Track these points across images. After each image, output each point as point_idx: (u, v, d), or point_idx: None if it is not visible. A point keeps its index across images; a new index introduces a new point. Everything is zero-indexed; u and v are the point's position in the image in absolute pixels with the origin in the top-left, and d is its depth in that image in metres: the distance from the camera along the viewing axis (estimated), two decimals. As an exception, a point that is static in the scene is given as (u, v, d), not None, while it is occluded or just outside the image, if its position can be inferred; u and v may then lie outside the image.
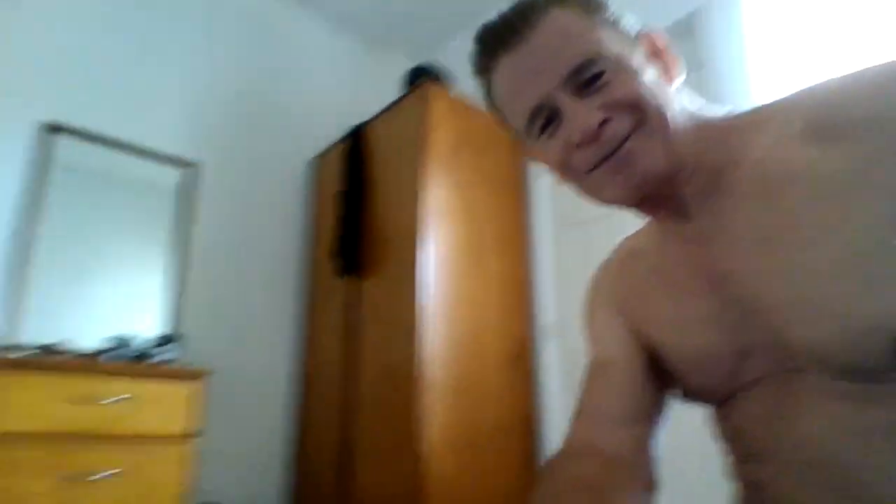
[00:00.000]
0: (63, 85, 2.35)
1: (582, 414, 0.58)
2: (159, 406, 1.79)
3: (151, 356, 2.02)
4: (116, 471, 1.64)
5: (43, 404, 1.58)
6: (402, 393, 1.99)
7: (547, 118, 0.55)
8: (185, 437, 1.81)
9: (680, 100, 0.57)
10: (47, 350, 1.89)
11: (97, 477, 1.60)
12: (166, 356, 2.04)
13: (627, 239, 0.73)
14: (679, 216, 0.58)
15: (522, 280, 2.49)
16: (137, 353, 2.01)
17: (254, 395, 2.57)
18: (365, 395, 2.21)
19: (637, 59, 0.55)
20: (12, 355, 1.66)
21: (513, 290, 2.42)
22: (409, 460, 1.87)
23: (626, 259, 0.70)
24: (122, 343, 2.02)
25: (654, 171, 0.53)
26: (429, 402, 1.92)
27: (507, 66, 0.56)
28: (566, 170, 0.58)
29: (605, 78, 0.53)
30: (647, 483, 0.55)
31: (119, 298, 2.30)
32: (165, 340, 2.14)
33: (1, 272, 2.04)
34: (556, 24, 0.54)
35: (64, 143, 2.26)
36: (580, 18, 0.54)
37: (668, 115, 0.54)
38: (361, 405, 2.21)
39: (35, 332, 2.01)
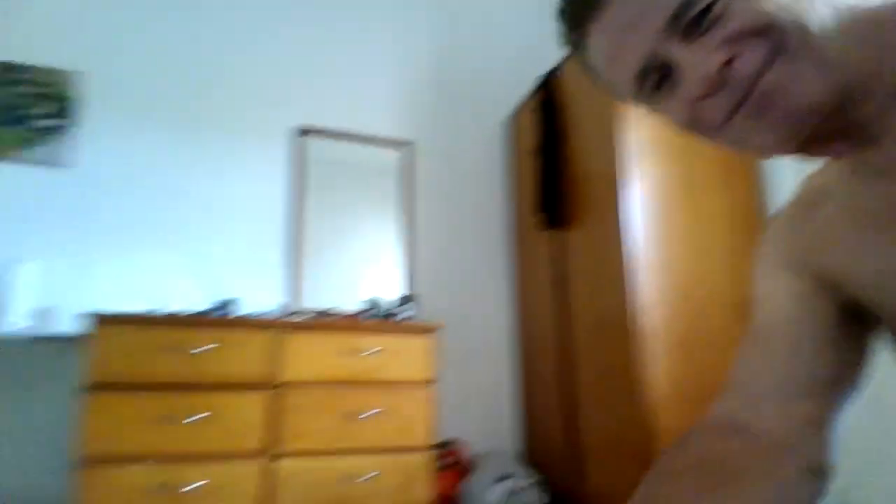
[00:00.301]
0: (307, 93, 2.87)
1: (729, 387, 0.48)
2: (404, 357, 2.14)
3: (396, 314, 2.40)
4: (378, 410, 2.05)
5: (319, 358, 2.04)
6: (619, 344, 1.97)
7: (659, 77, 0.46)
8: (426, 382, 2.14)
9: None
10: (320, 314, 2.43)
11: (365, 415, 2.03)
12: (407, 314, 2.41)
13: (810, 177, 0.58)
14: (861, 145, 0.46)
15: (754, 216, 2.15)
16: (385, 313, 2.41)
17: (480, 344, 2.85)
18: (580, 345, 2.25)
19: None
20: (295, 319, 2.17)
21: (743, 229, 2.12)
22: (634, 410, 1.85)
23: (809, 201, 0.56)
24: (373, 305, 2.44)
25: (810, 103, 0.41)
26: (649, 353, 1.86)
27: (598, 32, 0.48)
28: (698, 129, 0.47)
29: (716, 9, 0.42)
30: (810, 469, 0.44)
31: (368, 266, 2.77)
32: (405, 300, 2.51)
33: (282, 253, 2.65)
34: None
35: (312, 142, 2.78)
36: None
37: (815, 25, 0.41)
38: (578, 355, 2.26)
39: (309, 299, 2.58)
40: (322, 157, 2.79)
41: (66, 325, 2.19)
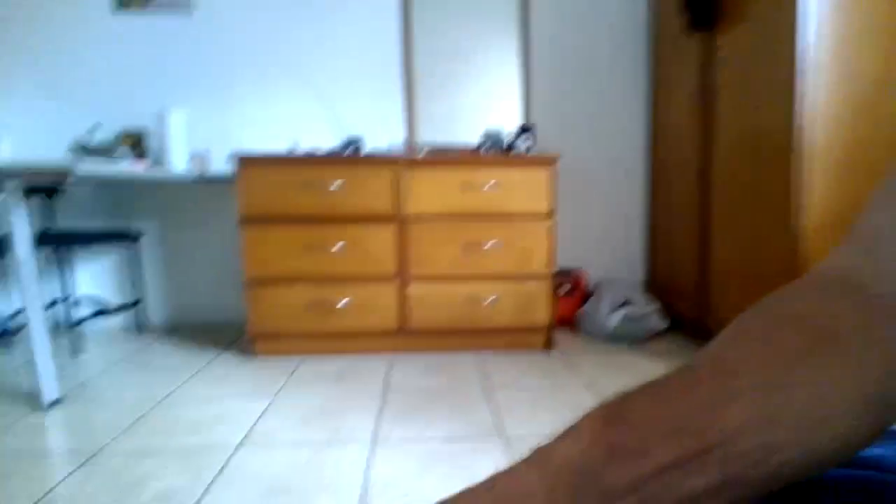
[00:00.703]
0: None
1: (851, 239, 0.34)
2: (523, 188, 2.10)
3: (514, 147, 2.31)
4: (497, 241, 2.11)
5: (440, 192, 2.08)
6: (771, 164, 1.71)
7: None
8: (545, 214, 2.11)
9: None
10: (439, 149, 2.41)
11: (487, 246, 2.10)
12: (524, 145, 2.30)
13: None
14: None
15: None
16: (504, 145, 2.32)
17: (604, 172, 2.68)
18: (723, 165, 2.00)
19: None
20: (415, 156, 2.19)
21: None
22: (778, 238, 1.67)
23: None
24: (491, 137, 2.35)
25: None
26: (806, 175, 1.59)
27: None
28: None
29: None
30: None
31: (485, 98, 2.62)
32: (523, 131, 2.37)
33: (400, 89, 2.59)
34: None
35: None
36: None
37: None
38: (718, 176, 2.03)
39: (428, 134, 2.56)
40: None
41: (220, 166, 2.48)
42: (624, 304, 2.31)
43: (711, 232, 2.09)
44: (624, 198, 2.71)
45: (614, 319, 2.25)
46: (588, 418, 0.25)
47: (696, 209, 2.19)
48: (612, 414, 0.25)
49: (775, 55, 1.66)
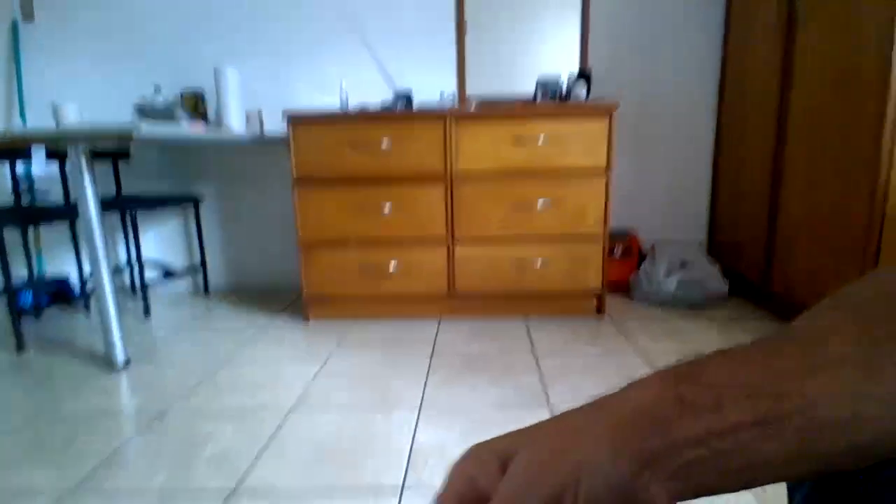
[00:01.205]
0: None
1: None
2: (578, 142, 1.98)
3: (570, 95, 2.16)
4: (548, 200, 2.02)
5: (490, 146, 1.99)
6: (860, 108, 1.52)
7: None
8: (601, 169, 1.99)
9: None
10: (489, 102, 2.30)
11: (539, 204, 2.02)
12: (580, 94, 2.15)
13: None
14: None
15: None
16: (560, 94, 2.19)
17: (668, 122, 2.49)
18: (801, 112, 1.80)
19: None
20: (465, 109, 2.10)
21: None
22: (864, 198, 1.51)
23: None
24: (546, 85, 2.22)
25: None
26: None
27: None
28: None
29: None
30: None
31: (538, 42, 2.45)
32: (580, 76, 2.21)
33: (450, 43, 2.47)
34: None
35: None
36: None
37: None
38: (795, 126, 1.84)
39: (481, 86, 2.45)
40: None
41: (275, 126, 2.49)
42: (682, 266, 2.19)
43: (783, 188, 1.92)
44: (687, 151, 2.52)
45: (671, 283, 2.14)
46: (658, 374, 0.24)
47: (768, 162, 2.00)
48: (683, 373, 0.23)
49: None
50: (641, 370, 1.62)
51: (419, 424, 1.33)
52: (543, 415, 1.37)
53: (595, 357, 1.73)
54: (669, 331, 1.94)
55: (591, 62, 2.42)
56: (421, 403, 1.45)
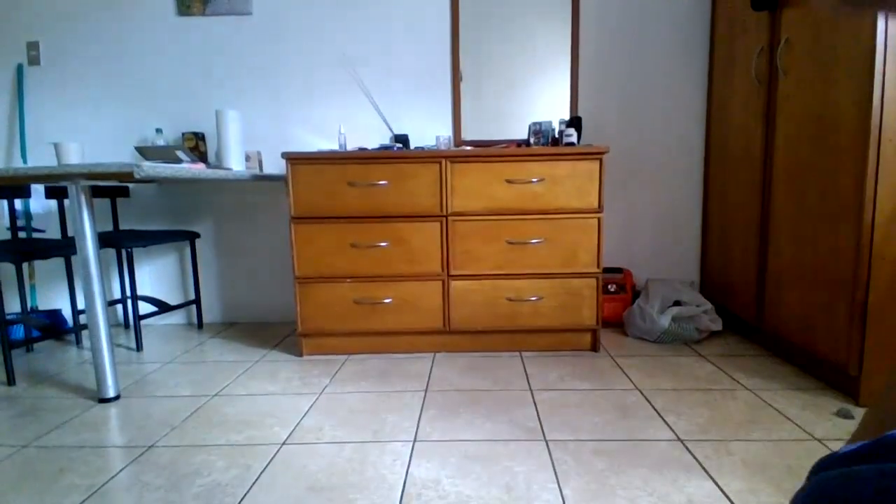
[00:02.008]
0: None
1: None
2: (570, 183, 2.04)
3: (560, 140, 2.24)
4: (543, 238, 2.06)
5: (486, 187, 2.05)
6: (839, 151, 1.58)
7: None
8: (592, 209, 2.04)
9: None
10: (484, 143, 2.38)
11: (533, 242, 2.06)
12: (571, 139, 2.23)
13: None
14: None
15: None
16: (550, 138, 2.27)
17: (655, 167, 2.57)
18: (784, 155, 1.87)
19: None
20: (460, 150, 2.16)
21: None
22: (845, 234, 1.55)
23: None
24: (537, 130, 2.30)
25: None
26: (883, 163, 1.47)
27: None
28: None
29: None
30: None
31: (533, 93, 2.55)
32: (571, 123, 2.30)
33: (446, 91, 2.58)
34: None
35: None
36: None
37: None
38: (778, 168, 1.91)
39: (475, 132, 2.54)
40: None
41: (273, 166, 2.55)
42: (675, 303, 2.21)
43: (771, 227, 1.97)
44: (676, 192, 2.59)
45: (665, 319, 2.16)
46: None
47: (755, 202, 2.06)
48: None
49: (850, 33, 1.54)
50: (637, 406, 1.61)
51: (413, 459, 1.31)
52: (540, 450, 1.35)
53: (590, 392, 1.72)
54: (664, 367, 1.94)
55: (582, 109, 2.53)
56: (415, 438, 1.43)
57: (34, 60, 2.60)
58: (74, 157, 2.18)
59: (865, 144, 1.48)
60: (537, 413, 1.57)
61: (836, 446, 1.33)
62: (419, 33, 2.55)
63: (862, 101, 1.49)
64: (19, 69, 2.59)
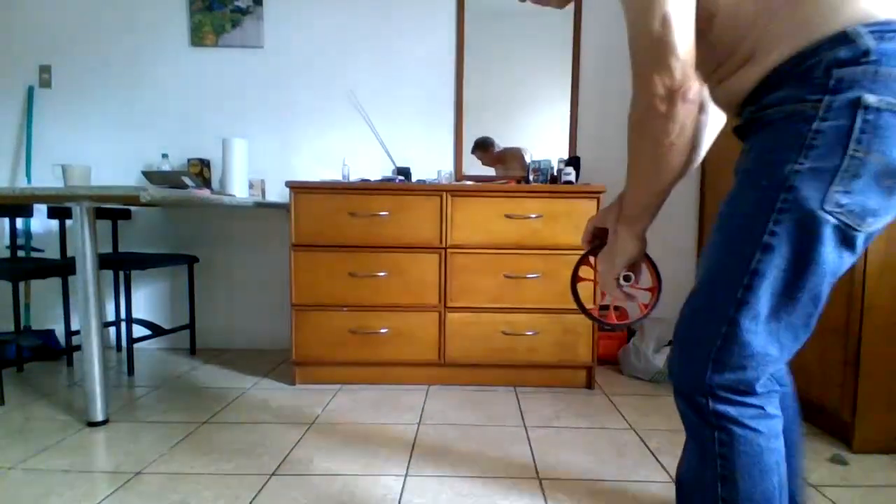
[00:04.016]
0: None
1: None
2: (567, 220, 2.07)
3: (559, 178, 2.30)
4: (539, 273, 2.08)
5: (484, 221, 2.08)
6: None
7: None
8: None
9: None
10: (484, 179, 2.43)
11: (530, 277, 2.08)
12: (569, 178, 2.29)
13: None
14: None
15: None
16: (549, 176, 2.32)
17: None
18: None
19: None
20: (461, 185, 2.20)
21: None
22: (838, 284, 1.57)
23: None
24: (538, 167, 2.35)
25: None
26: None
27: None
28: None
29: None
30: None
31: (533, 132, 2.62)
32: (568, 163, 2.37)
33: (449, 127, 2.65)
34: None
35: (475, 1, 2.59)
36: None
37: None
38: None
39: (477, 167, 2.60)
40: (485, 7, 2.58)
41: (276, 194, 2.59)
42: (670, 342, 2.22)
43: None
44: (674, 235, 2.63)
45: (659, 359, 2.16)
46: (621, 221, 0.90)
47: (747, 246, 2.09)
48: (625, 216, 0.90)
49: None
50: (631, 445, 1.60)
51: (404, 494, 1.29)
52: (534, 488, 1.34)
53: (585, 430, 1.71)
54: (658, 406, 1.93)
55: (581, 149, 2.59)
56: (407, 471, 1.41)
57: (45, 83, 2.66)
58: (81, 179, 2.20)
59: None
60: (531, 450, 1.55)
61: (830, 493, 1.33)
62: (424, 69, 2.63)
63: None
64: (30, 91, 2.65)
